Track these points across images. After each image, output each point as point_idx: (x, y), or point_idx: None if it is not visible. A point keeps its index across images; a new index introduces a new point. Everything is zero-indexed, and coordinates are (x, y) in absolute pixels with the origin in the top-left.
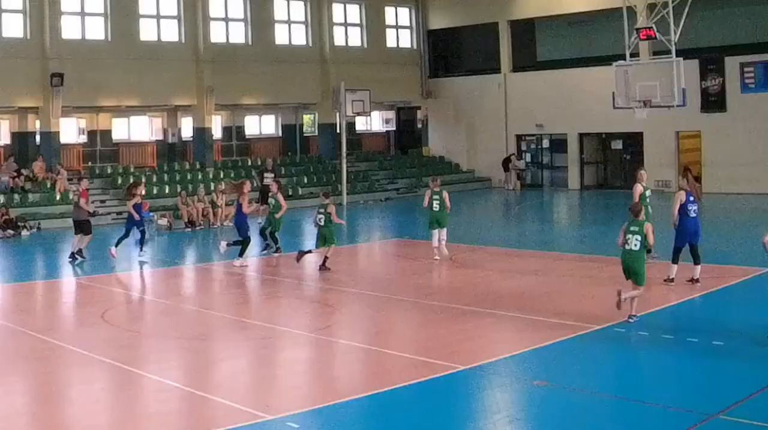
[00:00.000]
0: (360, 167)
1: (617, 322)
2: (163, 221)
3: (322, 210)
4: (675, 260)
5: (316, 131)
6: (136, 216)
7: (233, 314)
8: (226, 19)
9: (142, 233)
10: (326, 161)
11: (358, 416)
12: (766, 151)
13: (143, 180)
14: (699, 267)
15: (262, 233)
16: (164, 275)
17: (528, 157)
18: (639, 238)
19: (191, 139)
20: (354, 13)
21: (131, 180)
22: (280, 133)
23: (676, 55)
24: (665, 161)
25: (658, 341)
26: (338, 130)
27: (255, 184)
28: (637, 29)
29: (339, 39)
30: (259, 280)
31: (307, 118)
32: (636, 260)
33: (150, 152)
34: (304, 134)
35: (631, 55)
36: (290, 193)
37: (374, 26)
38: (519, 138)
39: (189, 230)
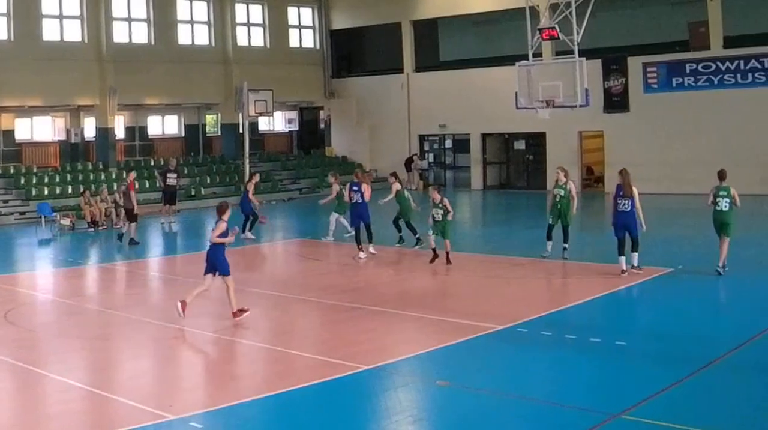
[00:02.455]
0: (263, 167)
1: (520, 322)
2: (66, 221)
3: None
4: (620, 253)
5: (219, 131)
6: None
7: (136, 313)
8: (129, 20)
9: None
10: (229, 161)
11: (261, 416)
12: (669, 151)
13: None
14: (636, 254)
15: (395, 223)
16: (67, 275)
17: (431, 157)
18: (728, 200)
19: (94, 139)
20: (256, 13)
21: (34, 180)
22: (183, 134)
23: (579, 56)
24: (568, 161)
25: (562, 340)
26: (241, 131)
27: (158, 185)
28: (540, 29)
29: (242, 39)
30: (162, 280)
31: (209, 119)
32: (727, 215)
33: (53, 152)
34: (207, 134)
35: (534, 56)
36: (193, 193)
37: (277, 26)
38: (422, 138)
39: (92, 230)
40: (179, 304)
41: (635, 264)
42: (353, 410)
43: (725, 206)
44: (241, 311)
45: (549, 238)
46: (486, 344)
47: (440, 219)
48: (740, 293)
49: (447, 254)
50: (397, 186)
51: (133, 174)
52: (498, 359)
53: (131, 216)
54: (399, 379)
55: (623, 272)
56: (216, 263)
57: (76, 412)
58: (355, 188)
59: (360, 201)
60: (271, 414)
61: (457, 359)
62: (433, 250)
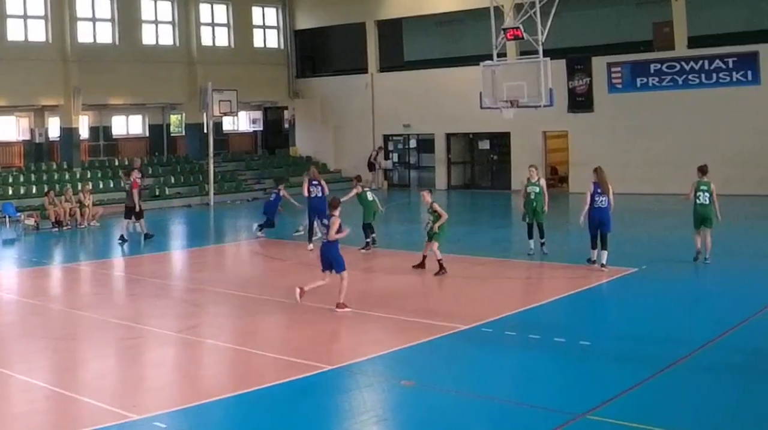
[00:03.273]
0: (227, 167)
1: (485, 322)
2: (30, 221)
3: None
4: (593, 246)
5: (183, 131)
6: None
7: (100, 313)
8: (93, 19)
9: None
10: (193, 161)
11: (225, 416)
12: (632, 151)
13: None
14: (605, 253)
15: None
16: (32, 275)
17: (395, 157)
18: (708, 194)
19: (58, 139)
20: (221, 13)
21: None
22: (147, 134)
23: (544, 56)
24: (532, 161)
25: (526, 341)
26: (205, 131)
27: (123, 185)
28: (504, 29)
29: (206, 39)
30: (126, 279)
31: (174, 119)
32: (708, 209)
33: (17, 152)
34: (172, 134)
35: (499, 56)
36: (157, 193)
37: (241, 26)
38: (386, 138)
39: (56, 230)
40: (298, 290)
41: (603, 262)
42: (318, 410)
43: (706, 200)
44: (344, 305)
45: (531, 236)
46: (450, 344)
47: (431, 226)
48: (704, 294)
49: (439, 262)
50: (357, 190)
51: (136, 173)
52: (462, 359)
53: (135, 213)
54: (363, 379)
55: (591, 261)
56: (332, 260)
57: (40, 412)
58: (314, 183)
59: (319, 195)
60: (236, 414)
61: (421, 359)
62: (423, 256)
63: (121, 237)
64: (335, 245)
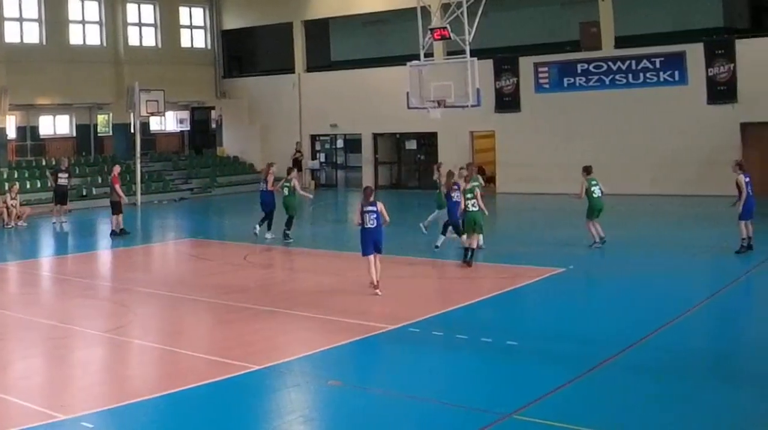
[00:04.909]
0: (154, 167)
1: (412, 322)
2: None
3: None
4: (444, 232)
5: (111, 131)
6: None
7: (27, 313)
8: (21, 19)
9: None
10: (121, 161)
11: (152, 416)
12: (560, 151)
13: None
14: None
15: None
16: None
17: (322, 157)
18: (599, 187)
19: None
20: (148, 13)
21: None
22: (75, 134)
23: (471, 56)
24: (460, 161)
25: (453, 341)
26: (132, 131)
27: (50, 185)
28: (431, 29)
29: (133, 39)
30: (53, 279)
31: (101, 119)
32: (602, 201)
33: None
34: (99, 134)
35: (426, 56)
36: (84, 193)
37: (168, 26)
38: (313, 138)
39: None
40: (373, 282)
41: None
42: (245, 409)
43: (600, 193)
44: (377, 287)
45: (445, 232)
46: (378, 344)
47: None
48: (631, 294)
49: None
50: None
51: (117, 168)
52: (389, 359)
53: (116, 208)
54: (291, 379)
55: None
56: (380, 242)
57: None
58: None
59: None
60: (163, 414)
61: (348, 359)
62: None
63: (113, 232)
64: (383, 229)
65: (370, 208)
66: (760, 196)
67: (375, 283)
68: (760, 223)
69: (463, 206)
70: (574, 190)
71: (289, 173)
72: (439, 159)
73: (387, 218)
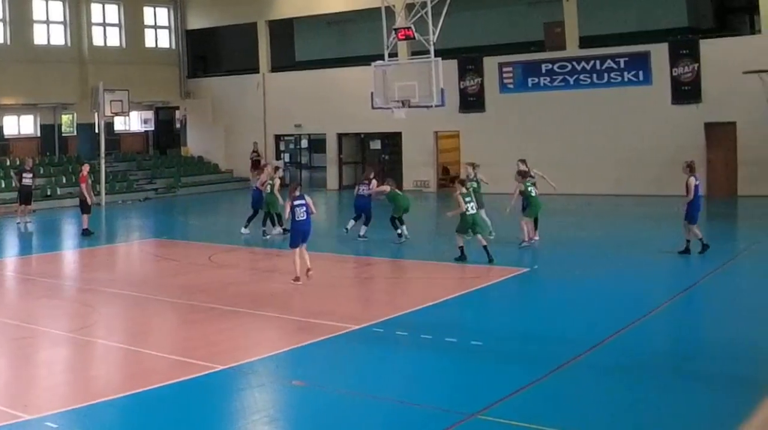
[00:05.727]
0: (119, 167)
1: (376, 322)
2: None
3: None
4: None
5: (75, 131)
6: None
7: None
8: None
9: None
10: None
11: (117, 416)
12: (524, 151)
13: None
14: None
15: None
16: None
17: (287, 157)
18: (534, 188)
19: None
20: (112, 13)
21: None
22: (39, 134)
23: (435, 56)
24: (424, 161)
25: (417, 341)
26: (97, 131)
27: (14, 185)
28: (396, 29)
29: (98, 39)
30: (17, 279)
31: (65, 119)
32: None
33: None
34: (63, 134)
35: (390, 56)
36: (48, 193)
37: (133, 26)
38: (278, 138)
39: None
40: (297, 275)
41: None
42: (210, 410)
43: (536, 193)
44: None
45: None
46: (342, 344)
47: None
48: (595, 295)
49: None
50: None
51: (86, 167)
52: (354, 359)
53: (84, 207)
54: (255, 379)
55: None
56: (309, 234)
57: None
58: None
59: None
60: (128, 414)
61: (313, 359)
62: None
63: (85, 231)
64: None
65: (299, 201)
66: (724, 196)
67: (299, 275)
68: (724, 224)
69: (463, 208)
70: (540, 190)
71: (263, 171)
72: (404, 158)
73: (314, 210)
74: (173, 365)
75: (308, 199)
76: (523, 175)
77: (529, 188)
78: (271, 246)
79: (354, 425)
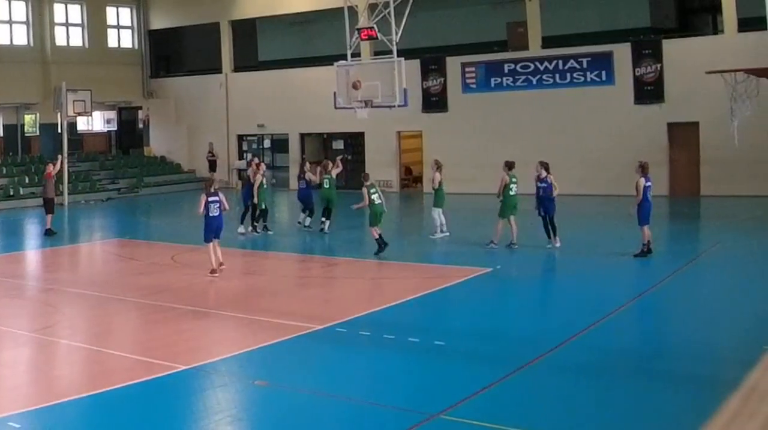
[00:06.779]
0: (81, 167)
1: (339, 322)
2: None
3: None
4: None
5: (38, 131)
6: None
7: None
8: None
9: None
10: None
11: (79, 416)
12: (487, 151)
13: None
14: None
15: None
16: None
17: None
18: (516, 185)
19: None
20: (75, 13)
21: None
22: (2, 133)
23: (398, 56)
24: (387, 161)
25: (380, 341)
26: (60, 131)
27: None
28: (359, 29)
29: (60, 39)
30: None
31: (28, 119)
32: (518, 199)
33: None
34: (26, 134)
35: (353, 55)
36: (11, 193)
37: (96, 26)
38: (240, 138)
39: None
40: (214, 268)
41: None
42: (172, 410)
43: (516, 191)
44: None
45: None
46: (304, 344)
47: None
48: (558, 294)
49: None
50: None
51: (51, 165)
52: (316, 359)
53: (48, 207)
54: (217, 379)
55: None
56: (221, 229)
57: None
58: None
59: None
60: (90, 414)
61: (275, 359)
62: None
63: (47, 231)
64: None
65: (213, 198)
66: (687, 195)
67: (216, 268)
68: (686, 224)
69: (368, 201)
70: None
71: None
72: (367, 158)
73: (227, 206)
74: (136, 364)
75: (222, 196)
76: (509, 166)
77: (511, 185)
78: (233, 246)
79: (317, 425)
